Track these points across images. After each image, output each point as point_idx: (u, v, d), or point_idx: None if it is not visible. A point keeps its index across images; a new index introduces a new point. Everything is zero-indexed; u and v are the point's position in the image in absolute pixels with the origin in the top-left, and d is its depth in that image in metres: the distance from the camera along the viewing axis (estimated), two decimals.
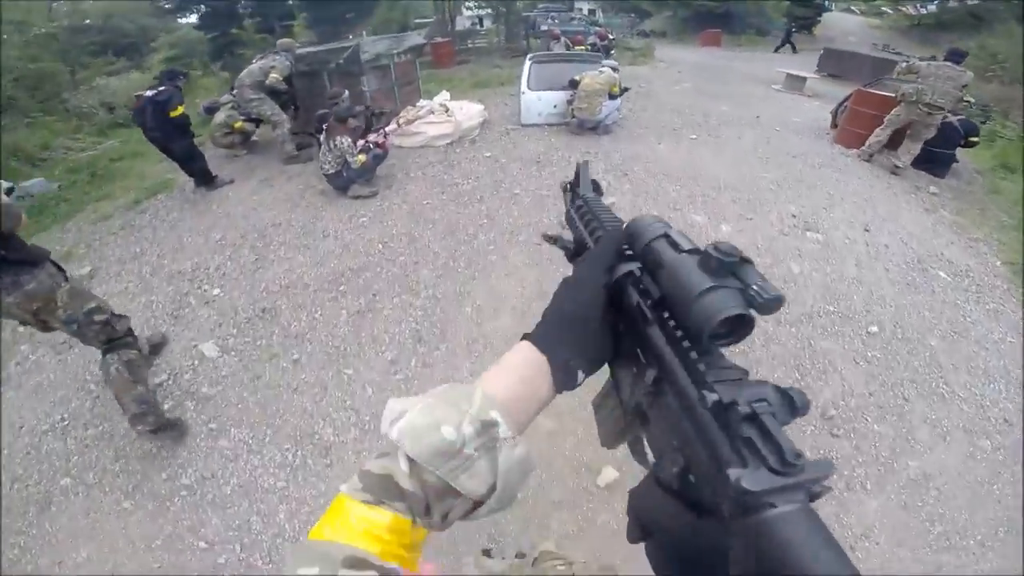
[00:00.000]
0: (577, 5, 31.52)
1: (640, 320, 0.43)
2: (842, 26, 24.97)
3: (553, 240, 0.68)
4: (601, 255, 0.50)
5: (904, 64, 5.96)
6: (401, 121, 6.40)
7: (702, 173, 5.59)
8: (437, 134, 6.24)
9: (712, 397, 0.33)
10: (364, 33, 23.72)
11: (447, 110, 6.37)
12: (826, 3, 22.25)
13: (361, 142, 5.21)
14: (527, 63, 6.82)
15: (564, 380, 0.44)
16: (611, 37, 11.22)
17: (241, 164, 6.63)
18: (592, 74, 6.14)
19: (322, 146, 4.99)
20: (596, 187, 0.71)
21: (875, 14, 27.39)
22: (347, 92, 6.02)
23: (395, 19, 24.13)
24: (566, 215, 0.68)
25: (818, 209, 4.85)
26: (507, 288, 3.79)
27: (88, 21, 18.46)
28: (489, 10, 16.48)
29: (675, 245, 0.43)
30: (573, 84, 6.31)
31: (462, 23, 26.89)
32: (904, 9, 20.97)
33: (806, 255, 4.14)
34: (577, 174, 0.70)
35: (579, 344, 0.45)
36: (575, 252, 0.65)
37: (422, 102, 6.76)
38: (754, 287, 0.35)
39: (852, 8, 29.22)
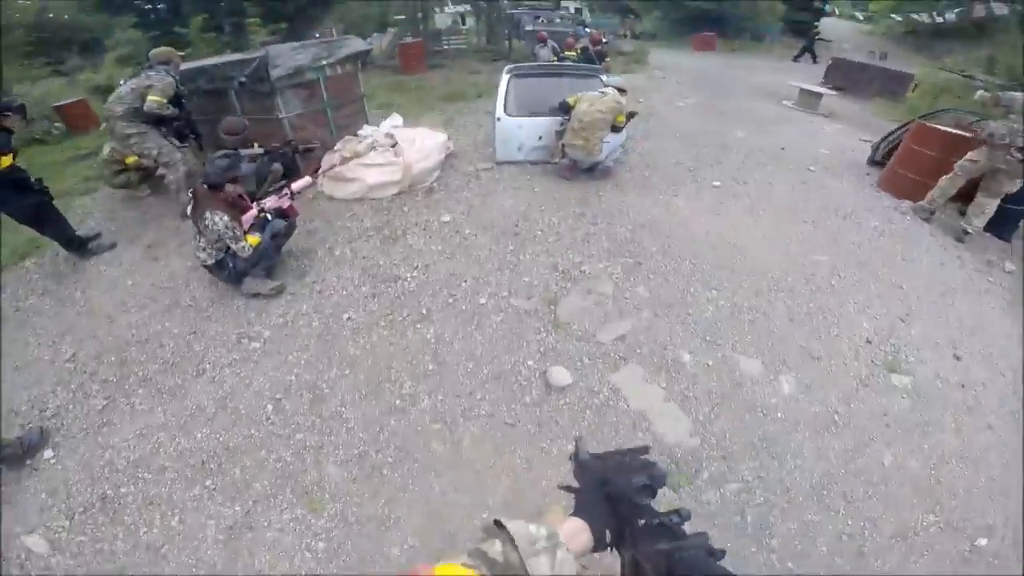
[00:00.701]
0: (564, 4, 30.06)
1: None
2: (835, 31, 24.01)
3: (570, 489, 0.81)
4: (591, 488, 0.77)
5: (987, 93, 4.59)
6: (336, 159, 4.78)
7: (741, 255, 4.12)
8: (378, 182, 4.67)
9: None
10: (333, 31, 21.76)
11: (394, 144, 4.76)
12: (826, 7, 21.15)
13: (251, 213, 3.54)
14: (505, 78, 5.16)
15: (598, 541, 0.69)
16: (605, 41, 9.72)
17: (138, 213, 4.99)
18: (591, 97, 4.63)
19: (195, 224, 3.34)
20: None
21: (867, 20, 26.58)
22: (244, 123, 4.40)
23: (372, 17, 22.22)
24: (574, 471, 0.83)
25: (895, 324, 3.43)
26: (458, 506, 2.26)
27: (18, 16, 16.28)
28: (468, 7, 14.83)
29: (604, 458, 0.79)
30: (564, 109, 4.79)
31: (443, 21, 25.16)
32: (918, 17, 19.95)
33: (896, 423, 2.72)
34: (577, 448, 0.84)
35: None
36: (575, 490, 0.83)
37: (366, 129, 5.14)
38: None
39: (856, 15, 28.36)
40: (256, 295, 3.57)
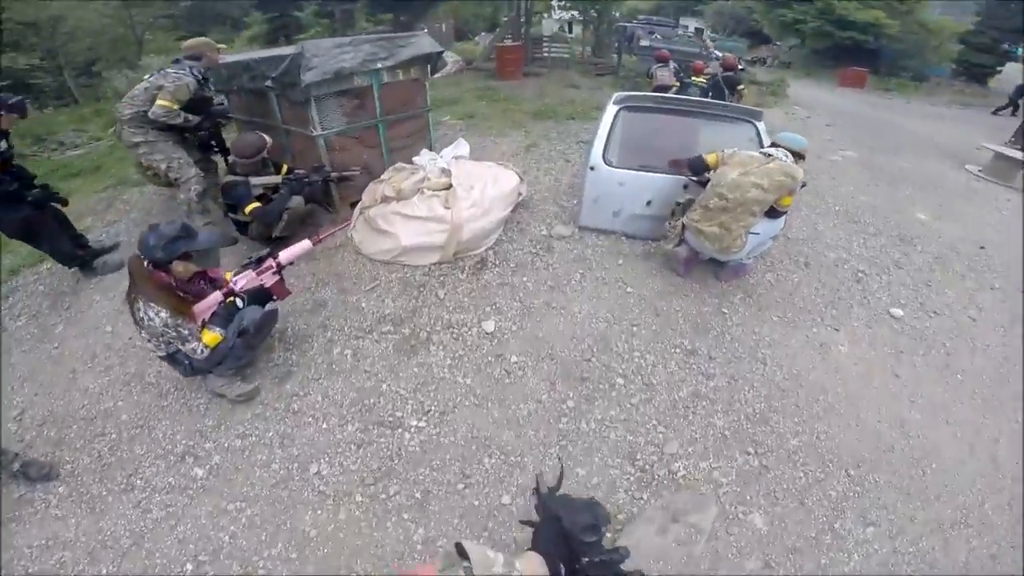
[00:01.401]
0: (682, 21, 27.58)
1: None
2: (1015, 78, 19.62)
3: (529, 524, 0.94)
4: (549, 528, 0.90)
5: None
6: (378, 192, 3.59)
7: (923, 460, 2.53)
8: (415, 244, 3.40)
9: None
10: (443, 27, 21.40)
11: (448, 187, 3.46)
12: (1016, 49, 17.19)
13: (211, 299, 2.39)
14: (611, 110, 3.63)
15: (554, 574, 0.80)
16: (741, 68, 7.82)
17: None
18: (745, 159, 3.01)
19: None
20: (560, 476, 1.08)
21: None
22: (261, 142, 3.33)
23: (485, 15, 21.64)
24: (535, 506, 0.97)
25: None
26: None
27: None
28: (575, 12, 13.45)
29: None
30: (698, 169, 3.25)
31: (550, 26, 23.94)
32: None
33: None
34: (537, 484, 1.00)
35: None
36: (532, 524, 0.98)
37: (424, 156, 3.90)
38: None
39: None
40: (219, 395, 2.60)
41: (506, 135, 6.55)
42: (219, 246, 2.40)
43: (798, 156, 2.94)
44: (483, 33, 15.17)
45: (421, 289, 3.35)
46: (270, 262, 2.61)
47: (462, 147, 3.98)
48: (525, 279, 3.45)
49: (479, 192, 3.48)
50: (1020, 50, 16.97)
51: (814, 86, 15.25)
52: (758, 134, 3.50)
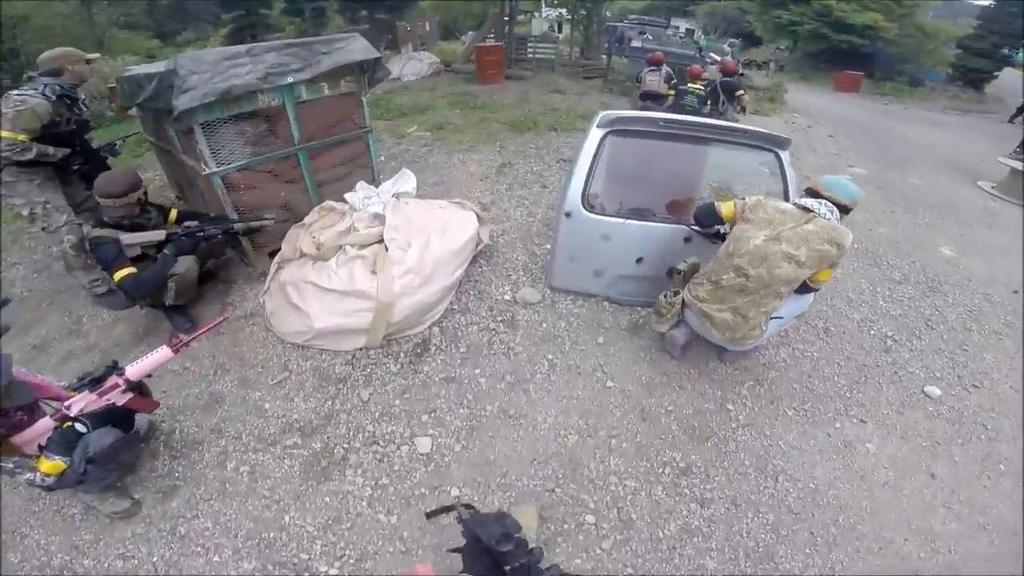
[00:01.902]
0: (673, 22, 26.72)
1: None
2: (1010, 84, 19.25)
3: (458, 551, 1.08)
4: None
5: None
6: (297, 249, 2.77)
7: None
8: (331, 327, 2.61)
9: None
10: (427, 25, 20.38)
11: (379, 242, 2.65)
12: (1016, 54, 16.76)
13: (39, 426, 1.70)
14: (594, 136, 2.72)
15: None
16: (741, 74, 7.07)
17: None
18: (774, 214, 2.20)
19: None
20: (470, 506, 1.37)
21: None
22: (130, 181, 2.53)
23: (474, 13, 20.61)
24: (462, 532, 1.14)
25: None
26: None
27: None
28: (564, 11, 12.62)
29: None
30: (706, 220, 2.48)
31: (539, 26, 23.03)
32: None
33: None
34: (452, 508, 1.25)
35: None
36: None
37: (357, 194, 3.06)
38: None
39: None
40: (91, 509, 2.06)
41: (478, 151, 5.75)
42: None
43: (844, 210, 2.17)
44: (470, 32, 14.26)
45: (340, 386, 2.54)
46: (115, 380, 1.82)
47: (406, 180, 3.15)
48: (477, 371, 2.64)
49: (418, 252, 2.65)
50: (1020, 55, 16.53)
51: (809, 91, 14.64)
52: (781, 167, 2.73)
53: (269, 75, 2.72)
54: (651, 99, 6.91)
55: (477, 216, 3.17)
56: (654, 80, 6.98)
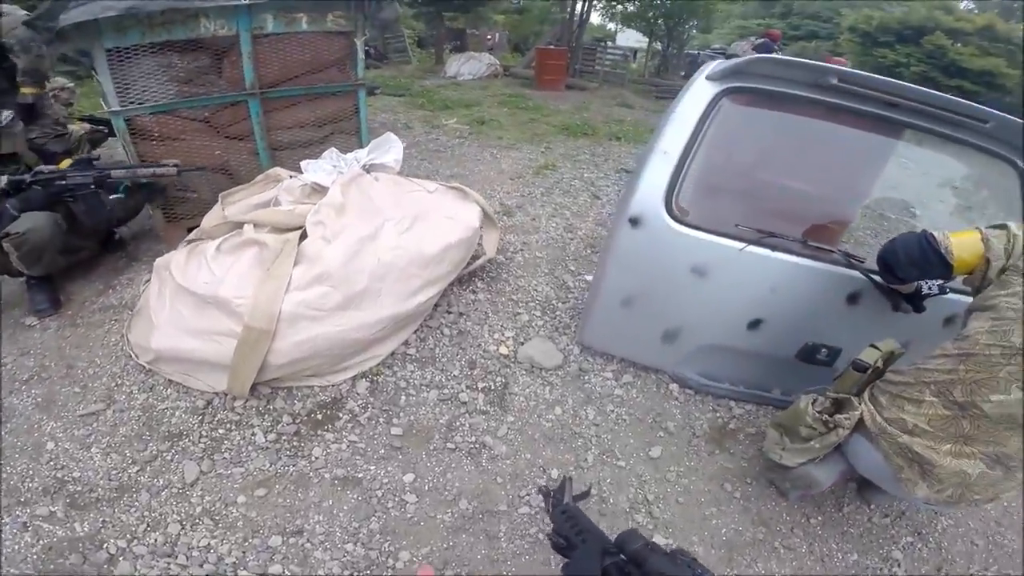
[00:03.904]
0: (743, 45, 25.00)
1: None
2: None
3: (546, 494, 0.98)
4: (592, 551, 0.80)
5: None
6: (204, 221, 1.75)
7: None
8: (177, 352, 1.49)
9: None
10: (495, 37, 20.07)
11: (297, 230, 1.51)
12: None
13: None
14: (700, 89, 1.48)
15: None
16: None
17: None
18: None
19: None
20: (586, 494, 1.05)
21: None
22: None
23: (543, 32, 20.01)
24: (551, 515, 0.94)
25: None
26: None
27: None
28: (640, 38, 11.59)
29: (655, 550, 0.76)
30: (909, 267, 1.16)
31: (625, 39, 22.13)
32: None
33: None
34: (562, 486, 0.98)
35: None
36: (563, 547, 0.87)
37: (326, 157, 1.97)
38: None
39: None
40: None
41: (517, 149, 4.63)
42: None
43: None
44: (540, 39, 13.57)
45: (168, 445, 1.49)
46: None
47: (387, 148, 2.03)
48: (408, 477, 1.46)
49: (345, 250, 1.47)
50: None
51: None
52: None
53: None
54: None
55: (482, 212, 1.97)
56: (741, 45, 5.69)
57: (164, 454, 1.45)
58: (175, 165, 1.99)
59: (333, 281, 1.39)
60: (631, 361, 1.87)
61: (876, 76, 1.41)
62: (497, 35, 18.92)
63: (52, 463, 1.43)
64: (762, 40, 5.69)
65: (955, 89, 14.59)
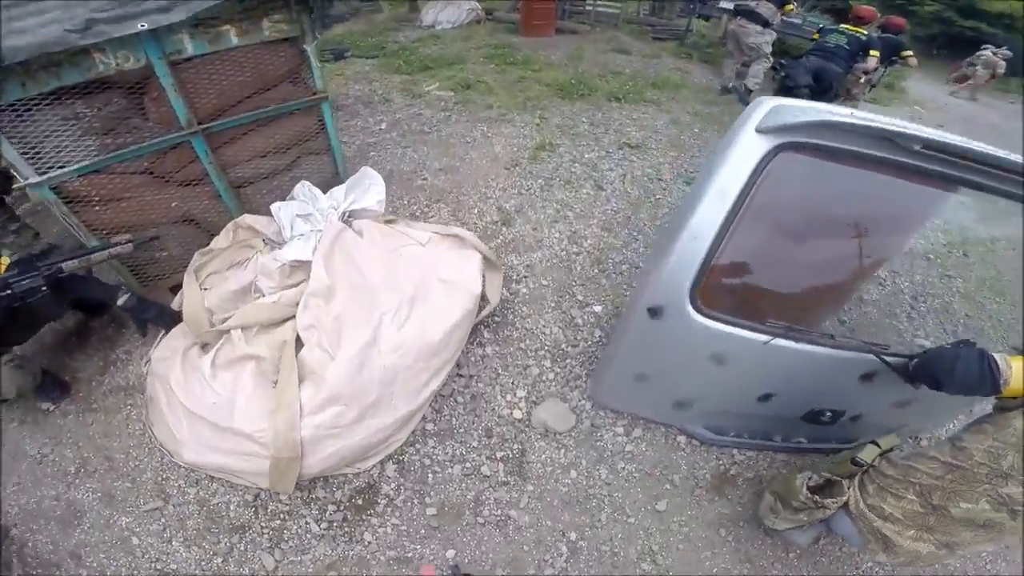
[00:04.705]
0: None
1: None
2: None
3: None
4: None
5: None
6: (184, 303, 1.72)
7: None
8: (211, 467, 1.55)
9: None
10: None
11: (285, 322, 1.40)
12: None
13: None
14: (748, 143, 1.20)
15: None
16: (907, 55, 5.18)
17: None
18: None
19: None
20: None
21: None
22: None
23: None
24: None
25: None
26: None
27: None
28: None
29: None
30: (955, 383, 1.14)
31: None
32: None
33: None
34: None
35: None
36: None
37: (298, 192, 1.75)
38: None
39: None
40: None
41: (509, 121, 4.27)
42: None
43: None
44: None
45: (235, 537, 1.61)
46: None
47: (367, 190, 1.77)
48: (451, 553, 1.56)
49: (350, 365, 1.38)
50: None
51: (923, 80, 12.18)
52: None
53: (95, 22, 1.36)
54: (746, 16, 5.15)
55: (484, 258, 1.80)
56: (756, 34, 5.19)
57: (237, 545, 1.58)
58: (128, 240, 1.75)
59: (344, 400, 1.34)
60: (642, 417, 1.83)
61: (961, 142, 1.20)
62: None
63: (147, 556, 1.58)
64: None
65: (971, 30, 13.83)
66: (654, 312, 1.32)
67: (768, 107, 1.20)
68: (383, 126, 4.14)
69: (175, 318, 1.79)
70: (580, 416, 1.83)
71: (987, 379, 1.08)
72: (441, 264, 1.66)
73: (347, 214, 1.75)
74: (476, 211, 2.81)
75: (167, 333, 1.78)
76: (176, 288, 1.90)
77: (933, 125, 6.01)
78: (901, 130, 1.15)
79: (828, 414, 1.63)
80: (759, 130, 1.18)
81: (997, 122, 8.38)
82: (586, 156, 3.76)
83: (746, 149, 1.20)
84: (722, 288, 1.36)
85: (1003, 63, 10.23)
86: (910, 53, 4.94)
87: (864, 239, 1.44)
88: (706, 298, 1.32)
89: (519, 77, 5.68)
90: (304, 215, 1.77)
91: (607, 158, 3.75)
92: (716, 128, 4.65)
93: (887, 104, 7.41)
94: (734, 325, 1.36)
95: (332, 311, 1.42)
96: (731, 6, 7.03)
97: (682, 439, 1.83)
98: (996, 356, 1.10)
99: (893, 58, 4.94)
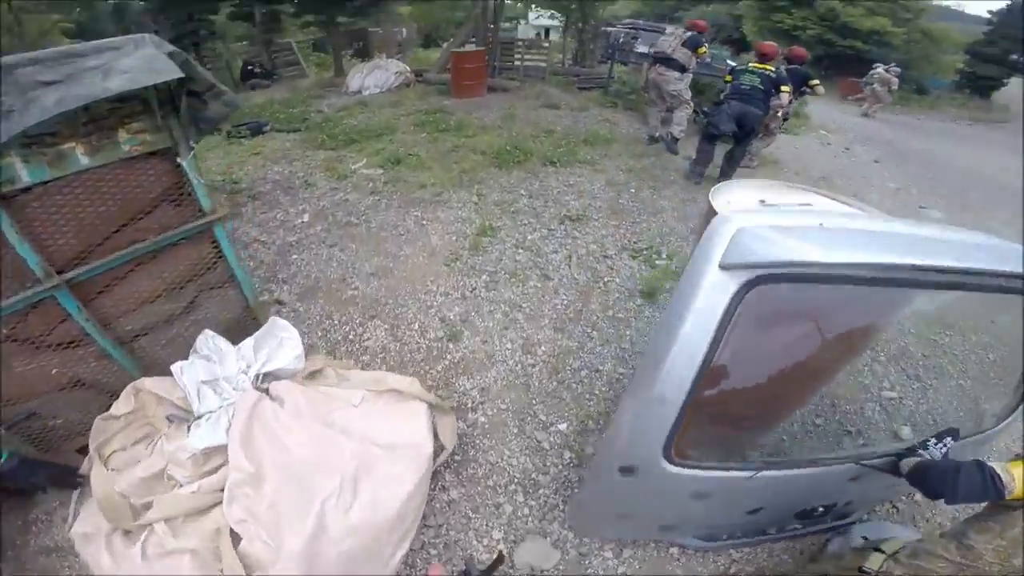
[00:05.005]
0: (668, 30, 24.90)
1: None
2: (1017, 92, 18.51)
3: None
4: None
5: None
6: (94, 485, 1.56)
7: None
8: None
9: None
10: (403, 31, 18.57)
11: (218, 505, 1.16)
12: None
13: None
14: (712, 280, 1.03)
15: None
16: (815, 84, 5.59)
17: None
18: None
19: None
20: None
21: None
22: None
23: (455, 20, 18.68)
24: None
25: None
26: None
27: None
28: (554, 13, 11.15)
29: None
30: (961, 493, 1.11)
31: (525, 32, 21.39)
32: None
33: None
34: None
35: None
36: None
37: (201, 345, 1.49)
38: None
39: None
40: None
41: (446, 203, 4.14)
42: None
43: None
44: (453, 39, 12.35)
45: None
46: None
47: (281, 342, 1.55)
48: None
49: (299, 556, 1.16)
50: None
51: (819, 101, 13.46)
52: None
53: None
54: (663, 63, 5.43)
55: (430, 405, 1.59)
56: (668, 41, 5.51)
57: None
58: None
59: None
60: (629, 541, 1.64)
61: (953, 262, 1.10)
62: (404, 30, 17.48)
63: None
64: (691, 34, 5.46)
65: (848, 49, 15.57)
66: (627, 471, 1.17)
67: (728, 236, 1.02)
68: (306, 218, 3.89)
69: (74, 477, 1.54)
70: (564, 548, 1.62)
71: (990, 489, 1.06)
72: (380, 428, 1.43)
73: (260, 377, 1.50)
74: (417, 326, 2.58)
75: (80, 498, 1.48)
76: (83, 450, 1.57)
77: (841, 148, 6.46)
78: (891, 262, 1.04)
79: (820, 509, 1.55)
80: (723, 266, 1.01)
81: (892, 138, 9.30)
82: (528, 238, 3.64)
83: (712, 292, 1.02)
84: (698, 437, 1.22)
85: (895, 79, 11.49)
86: (817, 82, 5.36)
87: (843, 348, 1.37)
88: (681, 451, 1.17)
89: (453, 146, 5.64)
90: (211, 381, 1.50)
91: (550, 237, 3.66)
92: (651, 185, 4.74)
93: (797, 133, 8.00)
94: (714, 469, 1.22)
95: (264, 499, 1.18)
96: (649, 50, 7.52)
97: (675, 550, 1.66)
98: (996, 466, 1.07)
99: (803, 88, 5.34)
